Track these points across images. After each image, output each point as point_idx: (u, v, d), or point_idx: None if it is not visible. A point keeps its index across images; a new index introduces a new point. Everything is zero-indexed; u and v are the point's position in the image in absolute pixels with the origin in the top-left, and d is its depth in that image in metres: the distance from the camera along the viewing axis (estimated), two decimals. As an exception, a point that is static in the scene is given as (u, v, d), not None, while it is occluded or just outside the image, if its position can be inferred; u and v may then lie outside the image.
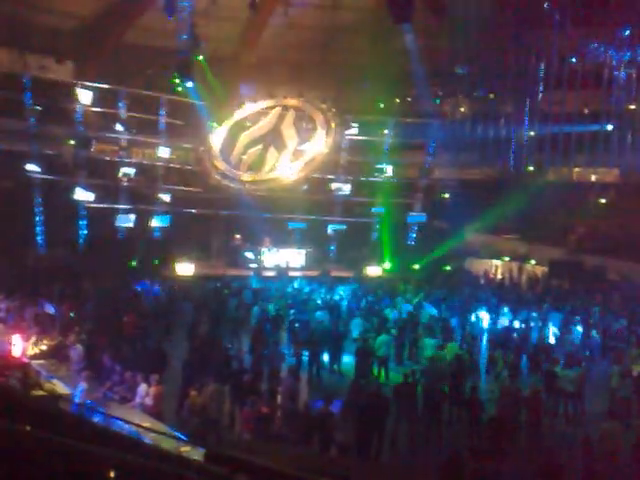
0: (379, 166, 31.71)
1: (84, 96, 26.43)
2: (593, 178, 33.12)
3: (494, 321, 20.08)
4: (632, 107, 31.30)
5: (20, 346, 13.46)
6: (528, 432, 12.37)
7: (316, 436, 10.88)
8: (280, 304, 20.13)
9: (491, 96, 31.92)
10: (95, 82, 26.82)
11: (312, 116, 30.00)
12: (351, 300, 22.72)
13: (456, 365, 14.42)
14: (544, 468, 9.18)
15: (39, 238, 27.18)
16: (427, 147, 32.71)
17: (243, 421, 11.37)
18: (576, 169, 33.42)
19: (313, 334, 16.76)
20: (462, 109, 34.42)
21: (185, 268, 27.27)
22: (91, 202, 27.13)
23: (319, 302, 21.75)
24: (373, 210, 32.17)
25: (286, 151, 30.13)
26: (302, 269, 29.57)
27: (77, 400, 10.83)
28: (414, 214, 32.59)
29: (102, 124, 28.07)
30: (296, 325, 17.87)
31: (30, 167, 26.30)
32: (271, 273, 28.21)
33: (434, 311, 21.00)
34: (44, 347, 14.21)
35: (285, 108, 29.65)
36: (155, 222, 28.81)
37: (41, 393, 11.03)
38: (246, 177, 30.08)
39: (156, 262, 27.29)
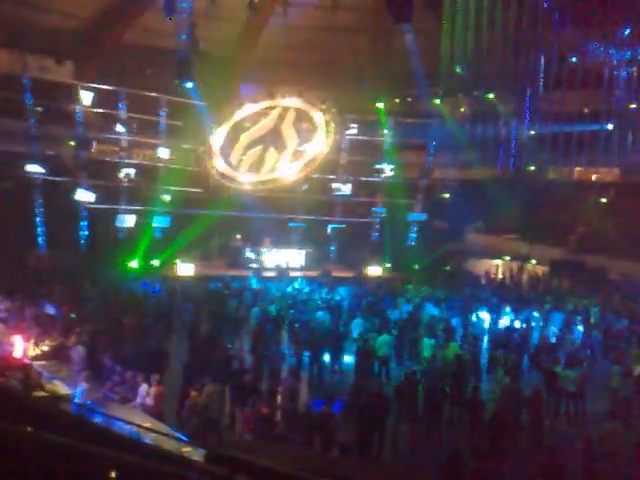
0: (379, 166, 31.74)
1: (84, 97, 26.46)
2: (594, 178, 33.11)
3: (495, 321, 20.06)
4: (632, 106, 31.26)
5: (21, 347, 13.45)
6: (529, 432, 12.34)
7: (317, 436, 10.86)
8: (280, 304, 20.14)
9: (491, 96, 31.83)
10: (95, 83, 26.87)
11: (312, 116, 30.01)
12: (352, 300, 22.72)
13: (457, 365, 14.39)
14: (545, 468, 9.18)
15: (40, 239, 27.23)
16: (427, 147, 32.73)
17: (244, 421, 11.36)
18: (576, 169, 33.40)
19: (314, 334, 16.73)
20: (462, 109, 34.39)
21: (185, 268, 27.30)
22: (92, 203, 27.17)
23: (319, 302, 21.76)
24: (373, 210, 32.18)
25: (286, 151, 30.13)
26: (302, 269, 29.59)
27: (78, 400, 10.82)
28: (414, 214, 32.61)
29: (102, 125, 28.11)
30: (297, 325, 17.87)
31: (31, 168, 26.33)
32: (271, 273, 28.23)
33: (435, 311, 21.00)
34: (45, 348, 14.20)
35: (285, 108, 29.68)
36: (155, 222, 28.84)
37: (42, 394, 11.04)
38: (246, 178, 30.10)
39: (156, 262, 27.29)
